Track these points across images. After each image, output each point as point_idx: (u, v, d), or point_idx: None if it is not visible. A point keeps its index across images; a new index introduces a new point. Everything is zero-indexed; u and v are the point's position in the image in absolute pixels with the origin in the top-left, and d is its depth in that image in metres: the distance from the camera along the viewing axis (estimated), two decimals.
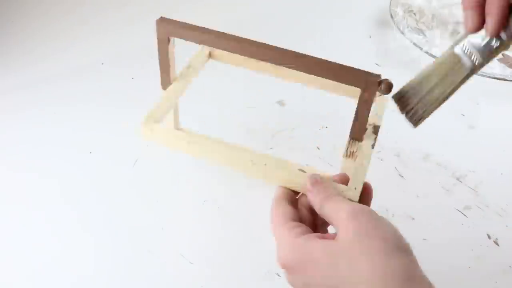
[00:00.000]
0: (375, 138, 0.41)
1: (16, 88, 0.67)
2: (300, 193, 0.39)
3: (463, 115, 0.66)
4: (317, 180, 0.36)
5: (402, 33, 0.76)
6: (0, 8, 0.77)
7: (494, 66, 0.71)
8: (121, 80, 0.69)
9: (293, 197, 0.39)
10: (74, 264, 0.49)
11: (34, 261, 0.49)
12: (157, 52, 0.44)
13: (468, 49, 0.32)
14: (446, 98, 0.34)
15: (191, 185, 0.56)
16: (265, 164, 0.39)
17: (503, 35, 0.31)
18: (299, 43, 0.74)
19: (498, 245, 0.52)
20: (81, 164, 0.58)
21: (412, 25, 0.78)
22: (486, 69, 0.70)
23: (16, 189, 0.55)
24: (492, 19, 0.31)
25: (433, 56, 0.72)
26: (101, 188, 0.55)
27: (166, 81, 0.47)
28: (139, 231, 0.52)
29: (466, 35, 0.33)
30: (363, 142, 0.41)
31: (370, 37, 0.80)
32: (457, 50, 0.33)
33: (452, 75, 0.34)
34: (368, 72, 0.37)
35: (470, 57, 0.33)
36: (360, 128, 0.40)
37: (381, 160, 0.59)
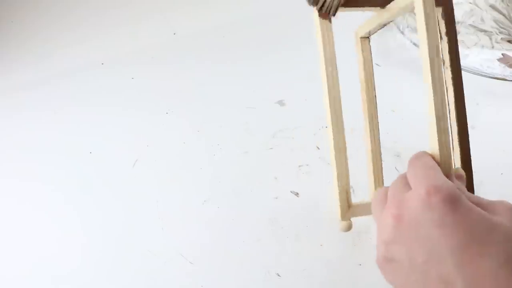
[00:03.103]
0: None
1: (16, 88, 0.67)
2: None
3: None
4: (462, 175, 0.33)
5: (402, 33, 0.76)
6: (0, 8, 0.77)
7: (494, 66, 0.71)
8: (121, 80, 0.69)
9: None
10: (74, 264, 0.49)
11: (34, 261, 0.49)
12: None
13: None
14: None
15: (191, 185, 0.56)
16: None
17: None
18: (299, 43, 0.74)
19: None
20: (81, 164, 0.58)
21: (412, 25, 0.78)
22: (486, 69, 0.70)
23: (16, 189, 0.55)
24: None
25: None
26: (101, 188, 0.55)
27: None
28: (139, 231, 0.52)
29: None
30: None
31: None
32: None
33: None
34: None
35: None
36: None
37: (381, 160, 0.59)
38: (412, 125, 0.55)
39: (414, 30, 0.77)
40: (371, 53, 0.43)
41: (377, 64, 0.73)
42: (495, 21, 0.76)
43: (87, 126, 0.62)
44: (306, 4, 0.37)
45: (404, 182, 0.29)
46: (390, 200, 0.28)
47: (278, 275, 0.48)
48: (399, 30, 0.77)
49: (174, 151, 0.59)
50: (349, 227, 0.38)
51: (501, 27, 0.76)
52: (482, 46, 0.74)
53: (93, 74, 0.69)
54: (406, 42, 0.76)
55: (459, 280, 0.25)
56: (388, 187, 0.31)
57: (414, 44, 0.74)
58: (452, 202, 0.26)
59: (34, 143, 0.60)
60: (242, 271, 0.49)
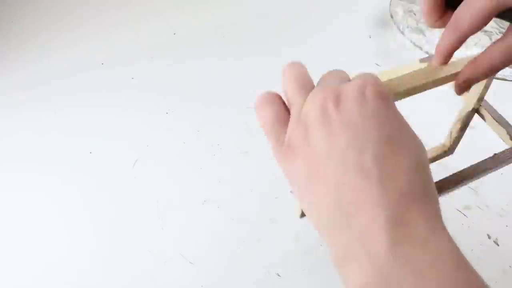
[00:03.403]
0: None
1: (16, 88, 0.67)
2: None
3: None
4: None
5: (402, 33, 0.76)
6: (0, 8, 0.77)
7: None
8: (121, 80, 0.69)
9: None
10: (73, 263, 0.49)
11: (34, 261, 0.49)
12: None
13: None
14: None
15: (191, 185, 0.56)
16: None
17: None
18: (300, 43, 0.74)
19: (498, 245, 0.52)
20: (81, 164, 0.58)
21: (412, 25, 0.78)
22: None
23: (16, 189, 0.55)
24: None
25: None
26: (101, 188, 0.55)
27: None
28: (139, 231, 0.52)
29: None
30: None
31: (370, 37, 0.80)
32: None
33: None
34: None
35: None
36: None
37: None
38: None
39: (414, 30, 0.77)
40: None
41: (377, 64, 0.73)
42: (495, 21, 0.76)
43: (87, 126, 0.62)
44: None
45: (337, 77, 0.30)
46: (324, 89, 0.28)
47: (278, 275, 0.48)
48: (399, 30, 0.77)
49: (174, 151, 0.59)
50: None
51: (501, 27, 0.76)
52: (482, 46, 0.74)
53: (93, 74, 0.70)
54: (406, 42, 0.76)
55: (376, 170, 0.25)
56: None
57: (414, 44, 0.74)
58: (386, 98, 0.27)
59: (34, 143, 0.60)
60: (242, 271, 0.49)
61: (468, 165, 0.40)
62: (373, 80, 0.28)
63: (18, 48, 0.72)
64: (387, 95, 0.27)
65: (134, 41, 0.74)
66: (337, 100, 0.27)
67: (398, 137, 0.27)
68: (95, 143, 0.60)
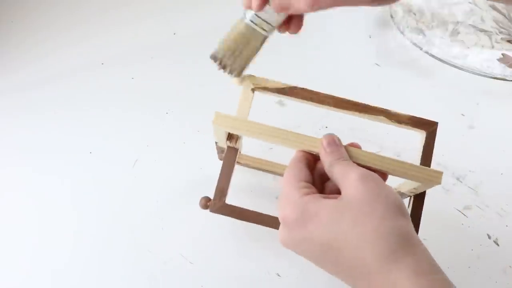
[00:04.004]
0: None
1: (16, 88, 0.67)
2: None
3: (463, 115, 0.66)
4: (334, 141, 0.37)
5: (402, 33, 0.76)
6: (0, 8, 0.77)
7: (494, 66, 0.71)
8: (121, 80, 0.69)
9: (310, 162, 0.39)
10: (73, 263, 0.49)
11: (34, 261, 0.49)
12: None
13: (255, 20, 0.40)
14: (254, 57, 0.42)
15: (191, 185, 0.56)
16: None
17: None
18: (300, 43, 0.74)
19: (498, 245, 0.52)
20: (81, 164, 0.58)
21: (412, 25, 0.78)
22: (486, 69, 0.70)
23: (16, 189, 0.55)
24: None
25: (433, 56, 0.72)
26: (101, 188, 0.55)
27: None
28: (139, 231, 0.52)
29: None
30: None
31: (370, 37, 0.80)
32: (247, 22, 0.40)
33: (254, 41, 0.41)
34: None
35: (261, 26, 0.40)
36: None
37: None
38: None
39: (414, 30, 0.77)
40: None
41: (377, 64, 0.73)
42: (495, 21, 0.76)
43: (87, 126, 0.62)
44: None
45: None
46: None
47: (278, 275, 0.48)
48: (399, 30, 0.77)
49: (174, 151, 0.59)
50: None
51: (501, 27, 0.76)
52: (482, 46, 0.74)
53: (93, 74, 0.69)
54: (406, 42, 0.76)
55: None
56: None
57: (414, 44, 0.74)
58: (286, 223, 0.34)
59: (34, 143, 0.60)
60: (242, 271, 0.49)
61: None
62: (280, 215, 0.34)
63: (18, 48, 0.72)
64: (287, 221, 0.33)
65: (134, 41, 0.74)
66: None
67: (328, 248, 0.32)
68: (95, 143, 0.60)
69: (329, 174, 0.36)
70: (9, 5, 0.78)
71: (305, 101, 0.43)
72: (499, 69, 0.71)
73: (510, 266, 0.50)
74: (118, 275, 0.49)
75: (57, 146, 0.60)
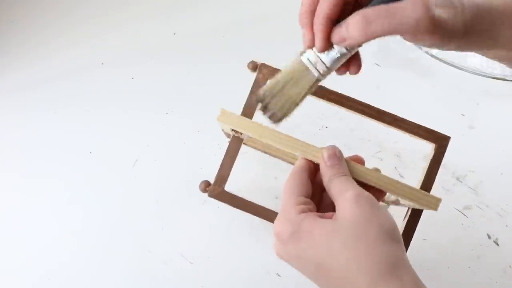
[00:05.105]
0: None
1: (16, 88, 0.67)
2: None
3: (463, 115, 0.66)
4: (335, 154, 0.37)
5: None
6: (0, 8, 0.77)
7: (494, 66, 0.71)
8: (121, 80, 0.69)
9: (312, 170, 0.39)
10: (73, 263, 0.49)
11: (33, 261, 0.49)
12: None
13: (312, 59, 0.36)
14: (300, 101, 0.37)
15: (191, 185, 0.56)
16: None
17: (336, 47, 0.34)
18: (300, 43, 0.74)
19: (498, 245, 0.52)
20: (81, 164, 0.58)
21: None
22: (486, 69, 0.70)
23: (16, 189, 0.55)
24: (317, 37, 0.35)
25: (433, 56, 0.72)
26: (101, 188, 0.55)
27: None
28: (139, 231, 0.52)
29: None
30: None
31: None
32: (304, 59, 0.36)
33: (303, 81, 0.37)
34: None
35: (315, 66, 0.36)
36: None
37: (381, 160, 0.59)
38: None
39: None
40: None
41: (377, 64, 0.73)
42: None
43: (87, 126, 0.62)
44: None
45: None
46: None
47: (278, 275, 0.48)
48: None
49: (174, 151, 0.59)
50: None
51: None
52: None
53: (93, 74, 0.69)
54: (406, 42, 0.76)
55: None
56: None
57: (414, 44, 0.74)
58: (279, 238, 0.34)
59: (34, 143, 0.60)
60: (242, 271, 0.49)
61: None
62: (275, 229, 0.35)
63: (18, 48, 0.72)
64: (281, 236, 0.34)
65: (134, 41, 0.74)
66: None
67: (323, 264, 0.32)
68: (95, 143, 0.60)
69: (326, 188, 0.36)
70: (9, 5, 0.78)
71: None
72: (499, 69, 0.71)
73: (510, 266, 0.50)
74: (118, 275, 0.49)
75: (57, 146, 0.60)
